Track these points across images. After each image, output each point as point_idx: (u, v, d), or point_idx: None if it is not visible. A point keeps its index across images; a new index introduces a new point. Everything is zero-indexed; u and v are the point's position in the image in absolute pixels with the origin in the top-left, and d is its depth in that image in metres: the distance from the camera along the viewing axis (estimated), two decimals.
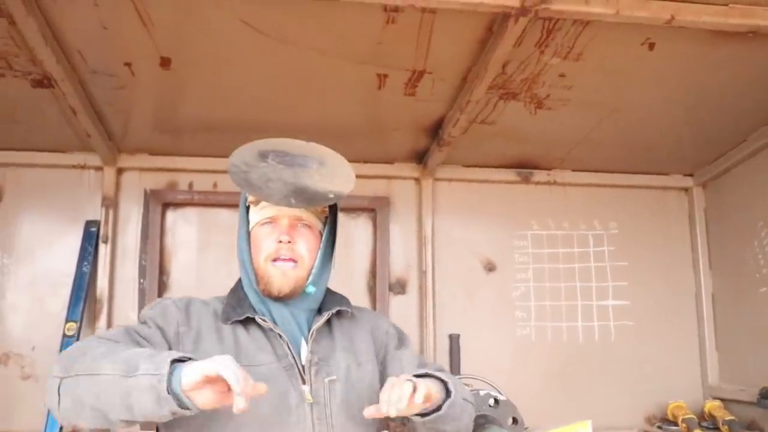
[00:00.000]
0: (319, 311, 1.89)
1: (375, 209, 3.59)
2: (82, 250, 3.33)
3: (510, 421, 3.00)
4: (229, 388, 1.39)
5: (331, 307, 1.88)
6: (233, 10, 2.19)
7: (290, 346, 1.75)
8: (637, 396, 3.60)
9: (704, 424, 3.34)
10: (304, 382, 1.73)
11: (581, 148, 3.40)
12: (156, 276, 3.36)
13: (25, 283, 3.32)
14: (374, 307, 3.48)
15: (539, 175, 3.71)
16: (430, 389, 1.66)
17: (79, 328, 3.18)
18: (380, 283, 3.52)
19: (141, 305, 3.25)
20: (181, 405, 1.40)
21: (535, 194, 3.74)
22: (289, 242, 1.81)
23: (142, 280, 3.36)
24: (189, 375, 1.39)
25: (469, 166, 3.65)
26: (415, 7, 2.13)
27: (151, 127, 3.13)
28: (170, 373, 1.39)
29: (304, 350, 1.79)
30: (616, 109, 2.96)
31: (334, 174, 1.85)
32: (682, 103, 2.92)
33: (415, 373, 2.01)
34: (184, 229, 3.50)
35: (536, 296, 3.63)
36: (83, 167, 3.41)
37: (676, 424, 3.39)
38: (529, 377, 3.48)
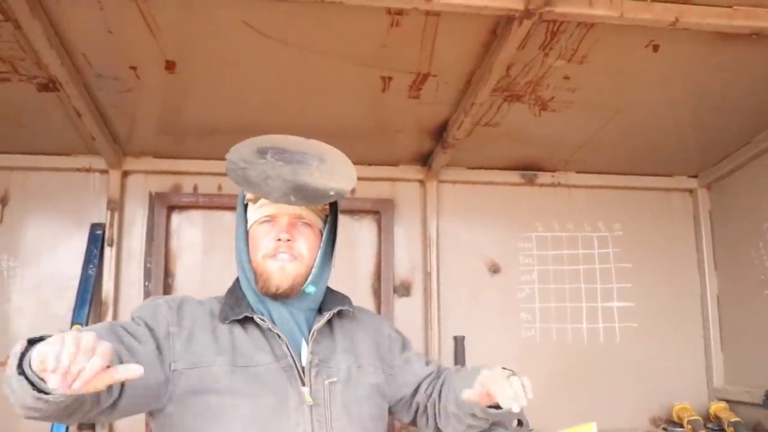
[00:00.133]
0: (320, 311, 1.87)
1: (379, 211, 3.59)
2: (87, 252, 3.33)
3: (515, 423, 3.00)
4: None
5: (332, 307, 1.86)
6: (238, 13, 2.19)
7: (289, 346, 1.73)
8: (642, 397, 3.59)
9: (709, 425, 3.33)
10: (303, 384, 1.71)
11: (585, 150, 3.40)
12: (161, 278, 3.37)
13: (30, 286, 3.33)
14: (379, 309, 3.48)
15: (543, 177, 3.71)
16: None
17: None
18: (385, 285, 3.52)
19: None
20: (40, 389, 1.25)
21: (539, 196, 3.74)
22: (289, 240, 1.79)
23: (147, 283, 3.36)
24: (36, 356, 1.23)
25: (473, 168, 3.66)
26: (419, 10, 2.13)
27: (156, 130, 3.13)
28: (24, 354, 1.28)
29: (305, 351, 1.77)
30: (621, 111, 2.96)
31: (335, 171, 1.83)
32: (686, 105, 2.92)
33: (424, 370, 2.04)
34: (189, 231, 3.50)
35: (541, 298, 3.63)
36: (88, 170, 3.42)
37: (681, 426, 3.39)
38: (533, 379, 3.42)
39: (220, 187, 3.47)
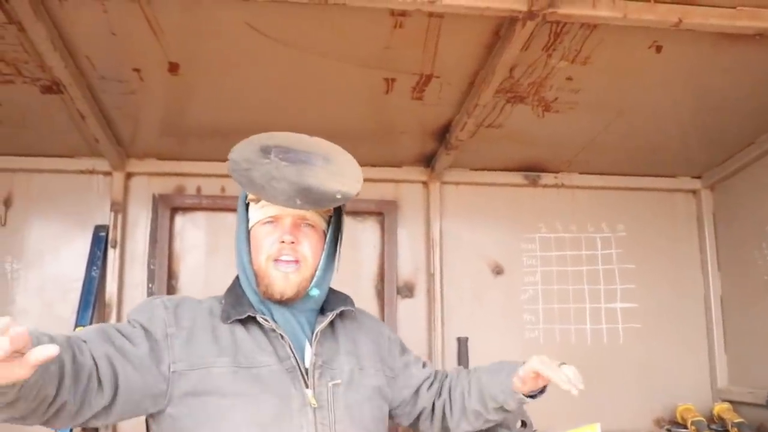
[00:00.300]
0: (322, 310, 1.85)
1: (383, 213, 3.59)
2: (91, 254, 3.33)
3: (519, 424, 3.00)
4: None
5: (334, 307, 1.84)
6: (241, 15, 2.19)
7: (292, 347, 1.71)
8: (646, 398, 3.59)
9: (713, 426, 3.33)
10: (307, 386, 1.69)
11: (589, 151, 3.40)
12: (165, 280, 3.37)
13: (34, 288, 3.33)
14: (382, 310, 3.48)
15: (547, 178, 3.71)
16: None
17: None
18: (388, 286, 3.52)
19: None
20: None
21: (542, 197, 3.73)
22: (293, 243, 1.76)
23: (150, 285, 3.36)
24: None
25: (476, 170, 3.65)
26: (422, 12, 2.14)
27: (160, 131, 3.14)
28: None
29: (308, 352, 1.75)
30: (624, 112, 2.95)
31: (341, 173, 1.81)
32: (689, 106, 2.92)
33: (422, 373, 2.05)
34: (192, 233, 3.50)
35: (544, 299, 3.63)
36: (92, 172, 3.42)
37: (685, 427, 3.38)
38: None
39: (223, 189, 3.47)
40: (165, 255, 3.40)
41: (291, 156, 1.78)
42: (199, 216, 3.51)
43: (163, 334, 1.67)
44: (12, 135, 3.12)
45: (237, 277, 1.87)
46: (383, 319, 3.38)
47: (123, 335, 1.61)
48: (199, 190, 3.48)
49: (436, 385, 2.04)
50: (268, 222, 1.79)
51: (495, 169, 3.67)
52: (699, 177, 3.78)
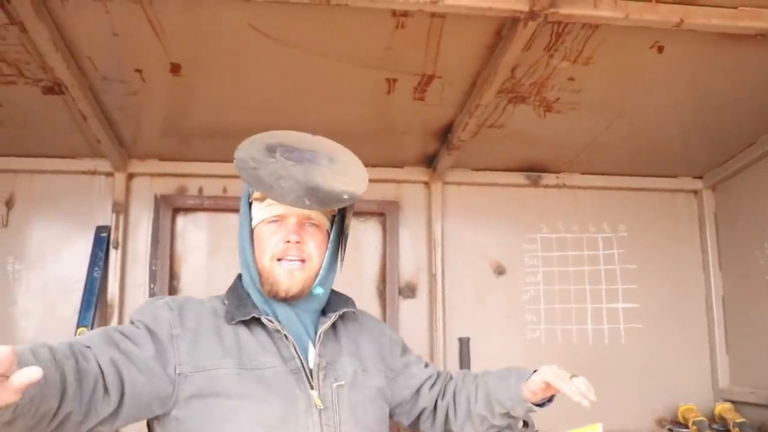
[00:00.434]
0: (323, 312, 1.84)
1: (384, 213, 3.59)
2: (92, 255, 3.33)
3: (521, 424, 2.99)
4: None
5: (336, 308, 1.84)
6: (243, 15, 2.19)
7: (297, 348, 1.70)
8: (648, 398, 3.59)
9: (715, 426, 3.33)
10: (311, 387, 1.68)
11: (590, 151, 3.40)
12: (166, 281, 3.37)
13: (36, 289, 3.33)
14: (384, 311, 3.49)
15: (548, 179, 3.71)
16: None
17: None
18: (390, 287, 3.52)
19: None
20: None
21: (544, 197, 3.73)
22: (298, 242, 1.75)
23: (152, 285, 3.36)
24: None
25: (478, 170, 3.66)
26: (424, 12, 2.14)
27: (161, 132, 3.14)
28: None
29: (312, 353, 1.74)
30: (625, 112, 2.95)
31: (346, 172, 1.81)
32: (691, 106, 2.92)
33: (424, 373, 2.05)
34: (194, 234, 3.50)
35: (546, 299, 3.63)
36: (94, 173, 3.43)
37: (686, 427, 3.38)
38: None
39: (225, 190, 3.47)
40: (167, 256, 3.40)
41: (296, 155, 1.78)
42: (201, 217, 3.51)
43: (169, 335, 1.65)
44: (14, 136, 3.12)
45: (238, 277, 1.86)
46: (385, 320, 3.38)
47: (127, 338, 1.60)
48: (200, 190, 3.49)
49: (438, 386, 2.03)
50: (272, 221, 1.78)
51: (497, 170, 3.67)
52: (700, 177, 3.78)
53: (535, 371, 1.82)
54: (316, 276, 1.79)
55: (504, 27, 2.25)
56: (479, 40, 2.35)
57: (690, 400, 3.51)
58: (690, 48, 2.41)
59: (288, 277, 1.74)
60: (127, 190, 3.42)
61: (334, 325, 1.84)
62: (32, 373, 1.11)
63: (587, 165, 3.61)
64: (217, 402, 1.62)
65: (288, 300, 1.76)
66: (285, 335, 1.70)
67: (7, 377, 1.11)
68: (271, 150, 1.77)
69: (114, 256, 3.33)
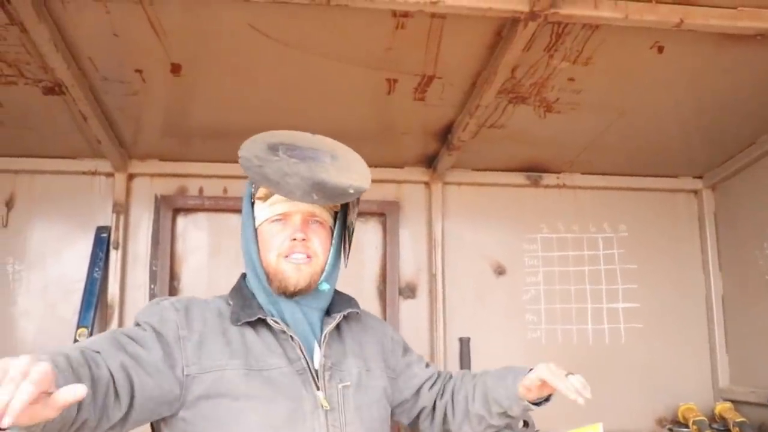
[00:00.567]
0: (328, 312, 1.84)
1: (385, 213, 3.60)
2: (93, 255, 3.33)
3: (521, 424, 3.00)
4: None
5: (340, 309, 1.83)
6: (243, 16, 2.19)
7: (303, 349, 1.69)
8: (648, 398, 3.59)
9: (715, 426, 3.33)
10: (318, 388, 1.67)
11: (590, 152, 3.40)
12: (167, 281, 3.37)
13: (36, 289, 3.33)
14: (384, 311, 3.49)
15: (548, 179, 3.71)
16: None
17: (91, 334, 3.17)
18: (390, 287, 3.52)
19: None
20: None
21: (544, 197, 3.74)
22: (304, 240, 1.74)
23: (153, 286, 3.36)
24: None
25: (478, 170, 3.66)
26: (424, 13, 2.14)
27: (162, 132, 3.14)
28: None
29: (317, 354, 1.73)
30: (625, 112, 2.96)
31: (349, 168, 1.82)
32: (691, 106, 2.92)
33: (425, 373, 2.05)
34: (194, 234, 3.50)
35: (546, 299, 3.63)
36: (94, 173, 3.43)
37: (686, 426, 3.38)
38: None
39: (225, 190, 3.48)
40: (167, 256, 3.40)
41: (298, 153, 1.78)
42: (202, 217, 3.51)
43: (176, 336, 1.64)
44: (14, 136, 3.12)
45: (242, 277, 1.86)
46: (385, 320, 3.37)
47: (135, 341, 1.58)
48: (201, 191, 3.49)
49: (438, 386, 2.04)
50: (276, 219, 1.77)
51: (497, 170, 3.67)
52: (700, 177, 3.78)
53: (531, 369, 1.82)
54: (322, 272, 1.78)
55: (504, 27, 2.25)
56: (479, 41, 2.35)
57: (690, 399, 3.51)
58: (690, 48, 2.42)
59: (296, 271, 1.73)
60: (128, 191, 3.42)
61: (338, 326, 1.83)
62: (78, 392, 1.11)
63: (587, 165, 3.62)
64: (224, 403, 1.61)
65: (296, 295, 1.75)
66: (291, 336, 1.70)
67: (49, 394, 1.10)
68: (273, 149, 1.76)
69: (114, 256, 3.33)
